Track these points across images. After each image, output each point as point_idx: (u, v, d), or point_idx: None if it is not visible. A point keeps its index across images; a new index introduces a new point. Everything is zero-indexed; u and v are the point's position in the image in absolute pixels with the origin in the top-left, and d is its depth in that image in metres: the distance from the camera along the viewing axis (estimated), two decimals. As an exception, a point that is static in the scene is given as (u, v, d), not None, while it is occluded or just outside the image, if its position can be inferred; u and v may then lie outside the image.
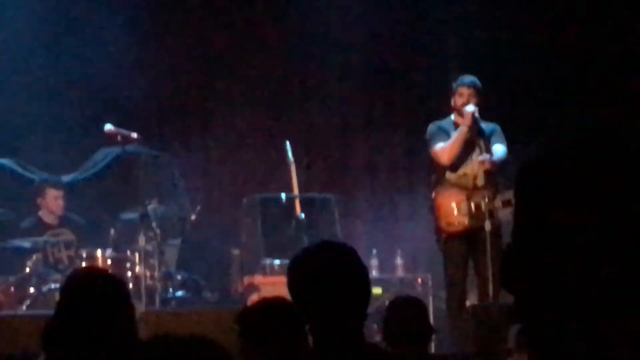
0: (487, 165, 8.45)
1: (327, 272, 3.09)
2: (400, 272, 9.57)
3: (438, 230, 8.58)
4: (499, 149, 8.51)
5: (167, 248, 9.41)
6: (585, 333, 1.51)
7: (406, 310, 5.19)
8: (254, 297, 7.83)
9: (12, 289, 9.01)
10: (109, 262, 8.88)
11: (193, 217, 9.76)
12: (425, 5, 10.84)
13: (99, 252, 9.05)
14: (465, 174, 8.53)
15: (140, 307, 7.06)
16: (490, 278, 8.11)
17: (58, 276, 8.53)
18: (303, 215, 9.53)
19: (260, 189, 9.93)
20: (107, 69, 10.20)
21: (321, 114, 10.51)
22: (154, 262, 9.11)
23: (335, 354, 2.98)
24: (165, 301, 8.95)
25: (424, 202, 8.91)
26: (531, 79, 9.64)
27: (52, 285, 8.49)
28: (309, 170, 9.83)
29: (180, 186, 9.92)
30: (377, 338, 5.69)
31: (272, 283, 8.68)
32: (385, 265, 9.71)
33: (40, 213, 9.38)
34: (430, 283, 9.24)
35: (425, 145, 8.70)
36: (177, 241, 9.61)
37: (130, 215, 9.41)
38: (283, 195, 9.65)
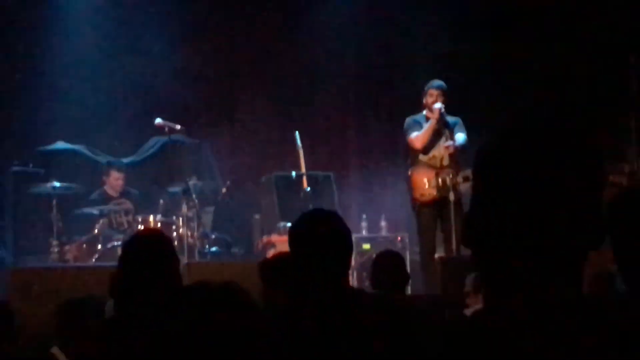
0: (451, 150, 8.50)
1: (315, 232, 3.16)
2: (384, 232, 9.60)
3: (413, 199, 8.62)
4: (460, 137, 8.57)
5: (203, 214, 9.44)
6: (523, 277, 1.51)
7: (388, 261, 5.25)
8: (271, 252, 7.90)
9: (84, 246, 9.03)
10: (159, 225, 8.90)
11: (224, 190, 9.80)
12: (402, 25, 10.76)
13: (151, 218, 9.09)
14: (434, 156, 8.57)
15: (183, 260, 7.08)
16: (454, 237, 8.15)
17: (120, 236, 8.57)
18: (309, 189, 9.56)
19: (275, 168, 9.91)
20: (156, 73, 10.17)
21: (323, 109, 10.48)
22: (194, 225, 9.15)
23: (321, 295, 3.02)
24: (202, 255, 9.02)
25: (403, 178, 8.88)
26: (486, 81, 9.58)
27: (115, 243, 8.52)
28: (313, 153, 9.78)
29: (213, 166, 9.93)
30: (366, 283, 5.71)
31: (285, 241, 8.66)
32: (372, 227, 9.71)
33: (105, 187, 9.40)
34: (407, 240, 9.26)
35: (403, 134, 8.70)
36: (211, 209, 9.66)
37: (175, 189, 9.42)
38: (293, 173, 9.66)
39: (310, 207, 9.29)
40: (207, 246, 9.29)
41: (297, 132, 9.62)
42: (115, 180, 9.38)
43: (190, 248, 8.72)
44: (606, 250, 1.93)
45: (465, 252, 7.00)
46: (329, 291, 3.08)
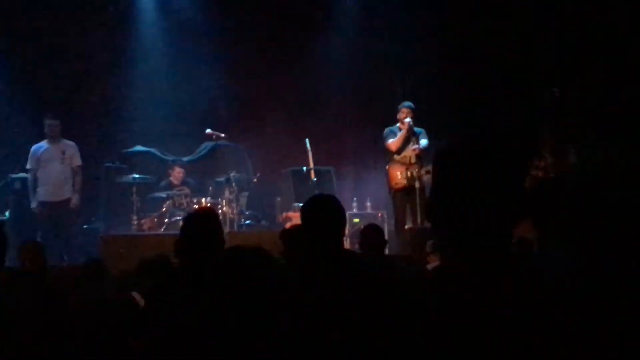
0: (417, 151, 8.50)
1: (320, 210, 3.20)
2: (369, 210, 9.64)
3: (389, 187, 8.65)
4: (423, 142, 8.60)
5: (240, 197, 9.43)
6: (467, 241, 1.51)
7: (371, 231, 5.28)
8: (288, 224, 7.91)
9: (155, 220, 9.05)
10: (208, 204, 8.91)
11: (254, 180, 9.79)
12: (382, 59, 10.74)
13: (203, 200, 9.13)
14: (405, 156, 8.56)
15: (225, 230, 7.09)
16: (419, 213, 8.17)
17: (181, 213, 8.59)
18: (315, 179, 9.54)
19: (291, 164, 9.92)
20: (206, 95, 10.23)
21: (325, 121, 10.43)
22: (233, 205, 9.14)
23: (324, 254, 3.07)
24: (239, 226, 9.00)
25: (382, 171, 8.88)
26: (443, 101, 9.55)
27: (177, 218, 8.57)
28: (318, 153, 9.77)
29: (247, 162, 9.95)
30: (356, 246, 5.76)
31: (298, 216, 8.68)
32: (360, 206, 9.74)
33: (170, 178, 9.44)
34: (385, 216, 9.29)
35: (383, 140, 8.70)
36: (246, 193, 9.65)
37: (220, 179, 9.43)
38: (304, 168, 9.64)
39: (316, 192, 9.35)
40: (242, 220, 9.31)
41: (307, 139, 9.63)
42: (177, 174, 9.42)
43: (231, 221, 8.75)
44: (527, 222, 1.93)
45: (427, 224, 7.06)
46: (330, 251, 3.11)
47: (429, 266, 5.29)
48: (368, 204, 9.72)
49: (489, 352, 1.40)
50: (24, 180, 9.00)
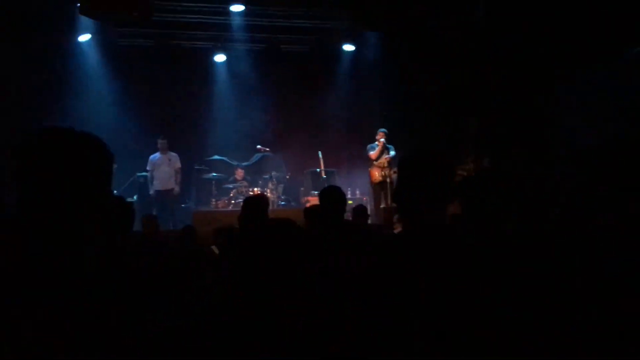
0: (388, 159, 8.44)
1: (329, 196, 3.19)
2: (358, 196, 9.61)
3: (370, 182, 8.62)
4: (392, 153, 8.54)
5: (278, 188, 9.42)
6: (418, 215, 1.49)
7: (360, 209, 5.23)
8: (308, 204, 7.88)
9: (226, 202, 9.05)
10: (258, 192, 8.91)
11: (287, 177, 9.79)
12: (368, 99, 10.70)
13: (256, 189, 9.11)
14: (380, 162, 8.53)
15: (269, 208, 7.10)
16: (389, 197, 8.12)
17: (241, 197, 8.58)
18: (325, 177, 9.53)
19: (310, 167, 9.88)
20: (256, 121, 10.18)
21: (330, 139, 10.41)
22: (274, 192, 9.14)
23: (330, 226, 3.06)
24: (277, 206, 9.00)
25: (366, 171, 8.86)
26: (405, 126, 9.50)
27: (239, 200, 8.53)
28: (326, 160, 9.76)
29: (283, 166, 9.91)
30: (350, 218, 5.71)
31: (315, 199, 8.66)
32: (353, 193, 9.71)
33: (235, 176, 9.42)
34: (368, 200, 9.23)
35: (367, 152, 8.68)
36: (282, 185, 9.62)
37: (266, 176, 9.42)
38: (318, 170, 9.64)
39: (326, 185, 9.33)
40: (279, 202, 9.32)
41: (319, 151, 9.62)
42: (239, 173, 9.42)
43: (272, 203, 8.75)
44: (456, 204, 1.92)
45: (394, 205, 7.03)
46: (337, 222, 3.12)
47: (396, 231, 5.28)
48: (357, 192, 9.72)
49: (428, 283, 1.39)
50: (145, 176, 9.05)
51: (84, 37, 9.38)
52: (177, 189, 8.84)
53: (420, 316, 1.32)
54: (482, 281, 1.39)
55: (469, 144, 8.69)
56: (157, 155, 8.82)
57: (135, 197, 8.94)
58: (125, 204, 2.70)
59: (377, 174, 8.50)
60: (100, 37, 9.64)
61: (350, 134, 10.74)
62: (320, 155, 9.57)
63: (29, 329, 0.92)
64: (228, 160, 9.68)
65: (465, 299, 1.34)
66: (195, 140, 10.11)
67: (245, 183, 9.27)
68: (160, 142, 8.82)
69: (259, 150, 9.59)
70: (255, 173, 9.69)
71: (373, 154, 8.53)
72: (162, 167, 8.76)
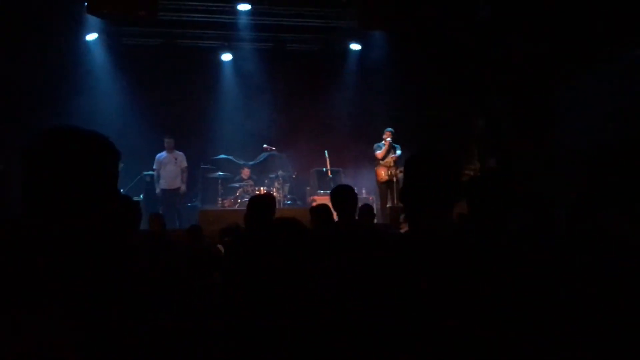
0: (395, 158, 8.41)
1: (341, 193, 3.19)
2: (364, 195, 9.53)
3: (377, 181, 8.58)
4: (398, 152, 8.50)
5: (284, 187, 9.41)
6: (423, 216, 1.48)
7: (366, 209, 5.21)
8: (314, 203, 7.89)
9: (232, 200, 9.06)
10: (265, 191, 8.90)
11: (293, 176, 9.77)
12: (374, 98, 10.68)
13: (262, 188, 9.10)
14: (387, 162, 8.49)
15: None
16: (395, 197, 8.11)
17: (247, 196, 8.55)
18: (330, 176, 9.52)
19: (316, 166, 9.85)
20: (263, 120, 10.18)
21: (337, 138, 10.37)
22: (280, 192, 9.13)
23: (342, 224, 3.05)
24: (284, 205, 8.98)
25: (373, 171, 8.84)
26: (412, 126, 9.50)
27: (245, 199, 8.52)
28: (332, 160, 9.74)
29: (289, 165, 9.87)
30: (356, 218, 5.69)
31: (320, 199, 8.67)
32: (359, 193, 9.62)
33: (241, 175, 9.42)
34: (374, 199, 9.20)
35: (373, 151, 8.66)
36: (288, 184, 9.59)
37: (272, 175, 9.42)
38: (324, 169, 9.63)
39: (331, 185, 9.36)
40: (286, 201, 9.30)
41: (325, 151, 9.61)
42: (246, 172, 9.41)
43: (278, 202, 8.69)
44: (463, 203, 1.92)
45: (400, 204, 7.03)
46: (348, 221, 3.13)
47: (402, 231, 5.27)
48: (363, 191, 9.68)
49: (434, 278, 1.39)
50: (151, 175, 9.08)
51: (91, 37, 9.42)
52: (183, 187, 8.86)
53: (425, 317, 1.32)
54: (488, 282, 1.38)
55: (475, 144, 8.68)
56: (163, 154, 8.85)
57: (141, 196, 8.97)
58: (131, 202, 2.70)
59: (383, 173, 8.48)
60: (107, 36, 9.69)
61: (357, 133, 10.71)
62: (327, 155, 9.56)
63: (36, 329, 0.92)
64: (234, 159, 9.68)
65: (471, 300, 1.34)
66: (202, 139, 10.11)
67: (251, 182, 9.27)
68: (167, 141, 8.85)
69: (265, 150, 9.59)
70: (261, 172, 9.69)
71: (379, 153, 8.52)
72: (169, 166, 8.78)
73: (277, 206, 8.55)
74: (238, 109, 10.47)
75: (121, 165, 1.20)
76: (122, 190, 7.72)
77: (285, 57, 10.60)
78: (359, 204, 6.76)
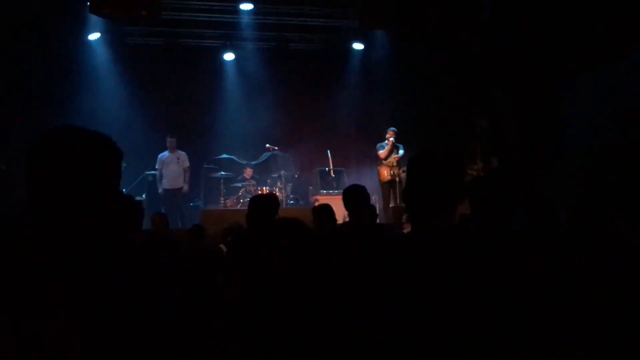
0: (397, 158, 8.41)
1: (353, 193, 3.21)
2: (367, 195, 9.49)
3: (379, 180, 8.57)
4: (401, 152, 8.50)
5: (287, 187, 9.40)
6: (426, 215, 1.48)
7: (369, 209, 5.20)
8: (316, 203, 7.87)
9: (234, 200, 9.06)
10: (268, 191, 8.90)
11: (296, 176, 9.77)
12: (377, 98, 10.68)
13: (264, 188, 9.09)
14: (389, 161, 8.49)
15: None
16: (398, 197, 8.10)
17: (249, 196, 8.55)
18: (333, 176, 9.52)
19: (319, 166, 9.83)
20: (265, 120, 10.16)
21: (340, 138, 10.41)
22: (282, 191, 9.13)
23: (354, 224, 3.07)
24: (286, 205, 8.98)
25: (375, 170, 8.83)
26: (414, 126, 9.46)
27: (248, 199, 8.53)
28: (335, 159, 9.74)
29: (292, 165, 9.88)
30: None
31: (323, 199, 8.66)
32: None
33: (244, 175, 9.39)
34: (377, 199, 9.17)
35: (376, 150, 8.66)
36: (290, 184, 9.58)
37: (275, 175, 9.41)
38: (327, 169, 9.63)
39: (334, 185, 9.39)
40: (288, 201, 9.30)
41: (328, 150, 9.62)
42: (248, 172, 9.39)
43: (281, 202, 8.68)
44: (466, 203, 1.92)
45: (403, 204, 7.00)
46: (359, 220, 3.15)
47: (405, 231, 5.27)
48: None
49: (436, 277, 1.39)
50: (154, 175, 9.09)
51: (94, 36, 9.43)
52: (185, 187, 8.87)
53: (426, 317, 1.32)
54: (490, 282, 1.38)
55: (477, 144, 8.67)
56: (166, 153, 8.86)
57: (144, 196, 8.98)
58: (134, 202, 2.71)
59: (385, 173, 8.48)
60: (110, 35, 9.70)
61: (359, 132, 10.72)
62: (329, 154, 9.56)
63: (36, 329, 0.92)
64: (237, 159, 9.68)
65: (472, 300, 1.34)
66: (204, 138, 10.13)
67: (253, 182, 9.27)
68: (169, 140, 8.86)
69: (267, 149, 9.59)
70: (264, 172, 9.69)
71: (382, 152, 8.51)
72: (171, 166, 8.79)
73: (280, 206, 8.55)
74: (240, 109, 10.47)
75: (123, 164, 1.20)
76: (124, 190, 7.72)
77: (287, 56, 10.61)
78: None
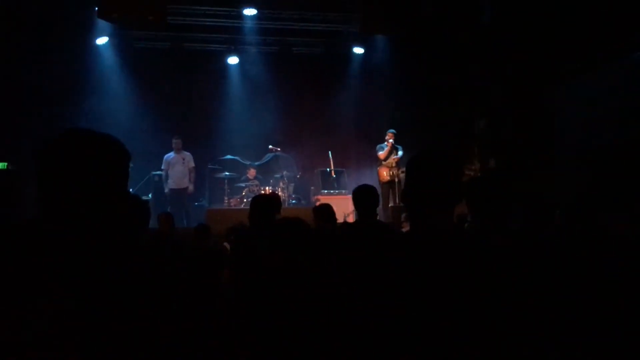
0: (397, 159, 8.40)
1: (363, 193, 3.20)
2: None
3: (379, 181, 8.55)
4: (400, 153, 8.49)
5: (289, 187, 9.40)
6: (424, 215, 1.48)
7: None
8: (317, 203, 7.86)
9: (238, 200, 9.05)
10: (271, 191, 8.90)
11: (298, 176, 9.76)
12: (377, 100, 10.66)
13: (267, 188, 9.09)
14: (389, 162, 8.49)
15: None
16: (397, 197, 8.09)
17: (252, 195, 8.54)
18: (334, 176, 9.51)
19: (320, 166, 9.83)
20: (268, 122, 10.16)
21: (340, 139, 10.38)
22: (285, 191, 9.12)
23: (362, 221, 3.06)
24: (288, 204, 8.97)
25: (375, 171, 8.82)
26: (414, 127, 9.45)
27: (250, 199, 8.52)
28: (336, 160, 9.73)
29: (294, 165, 9.86)
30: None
31: (324, 199, 8.66)
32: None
33: (247, 175, 9.39)
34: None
35: (375, 152, 8.65)
36: (292, 184, 9.57)
37: (277, 175, 9.40)
38: (328, 169, 9.63)
39: (335, 185, 9.39)
40: (290, 200, 9.29)
41: (329, 151, 9.61)
42: (251, 172, 9.39)
43: (283, 201, 8.68)
44: (463, 204, 1.92)
45: (402, 204, 6.98)
46: (368, 220, 3.16)
47: (403, 230, 5.26)
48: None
49: (434, 275, 1.38)
50: (160, 175, 9.10)
51: (102, 40, 9.45)
52: (191, 187, 8.87)
53: (425, 316, 1.32)
54: (488, 282, 1.38)
55: (475, 144, 8.66)
56: (171, 154, 8.87)
57: (150, 195, 8.98)
58: (141, 202, 2.70)
59: (385, 174, 8.48)
60: (117, 40, 9.71)
61: (360, 134, 10.71)
62: (330, 155, 9.56)
63: (38, 328, 0.92)
64: (240, 160, 9.69)
65: (471, 300, 1.33)
66: (209, 140, 10.12)
67: (257, 182, 9.27)
68: (175, 141, 8.86)
69: (270, 150, 9.59)
70: (266, 172, 9.68)
71: (382, 154, 8.52)
72: (177, 166, 8.80)
73: (282, 206, 8.54)
74: (244, 111, 10.48)
75: (130, 165, 1.21)
76: (131, 190, 7.72)
77: (290, 60, 10.61)
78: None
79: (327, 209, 3.83)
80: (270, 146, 9.55)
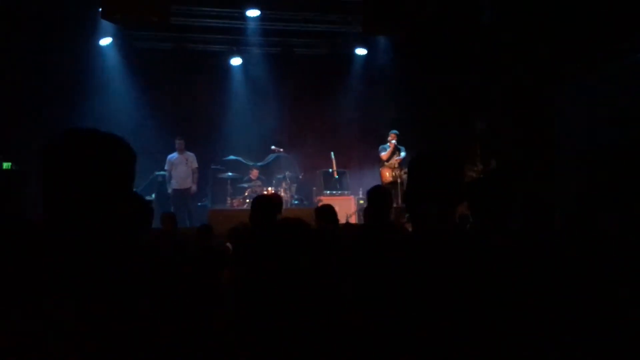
0: (399, 160, 8.39)
1: (378, 194, 3.21)
2: (369, 195, 9.49)
3: (381, 181, 8.54)
4: (403, 154, 8.48)
5: (291, 187, 9.40)
6: (426, 216, 1.47)
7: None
8: (319, 204, 7.84)
9: (241, 200, 9.06)
10: (273, 191, 8.90)
11: (300, 177, 9.76)
12: (379, 101, 10.65)
13: (270, 189, 9.10)
14: (391, 163, 8.49)
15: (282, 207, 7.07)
16: (399, 198, 8.07)
17: (255, 195, 8.53)
18: (337, 177, 9.51)
19: (322, 167, 9.83)
20: (270, 123, 10.17)
21: (343, 140, 10.39)
22: (287, 192, 9.13)
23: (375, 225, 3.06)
24: (290, 205, 8.97)
25: (377, 172, 8.82)
26: (416, 129, 9.46)
27: (252, 199, 8.53)
28: (338, 161, 9.72)
29: (296, 166, 9.87)
30: (361, 219, 5.64)
31: (327, 200, 8.65)
32: (364, 194, 9.62)
33: (250, 175, 9.40)
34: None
35: (378, 152, 8.65)
36: (295, 185, 9.57)
37: (280, 176, 9.41)
38: (330, 170, 9.63)
39: (337, 186, 9.41)
40: (292, 201, 9.29)
41: (332, 152, 9.61)
42: (254, 173, 9.40)
43: (285, 202, 8.66)
44: (465, 204, 1.92)
45: (404, 205, 6.97)
46: (381, 221, 3.17)
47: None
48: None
49: (436, 274, 1.38)
50: (163, 176, 9.12)
51: (105, 41, 9.47)
52: (194, 187, 8.88)
53: (426, 316, 1.32)
54: (489, 282, 1.38)
55: (477, 145, 8.64)
56: (175, 155, 8.88)
57: (153, 196, 9.00)
58: (144, 202, 2.71)
59: (387, 175, 8.48)
60: (120, 40, 9.73)
61: (362, 135, 10.71)
62: (333, 156, 9.56)
63: (39, 328, 0.91)
64: (243, 161, 9.70)
65: (472, 299, 1.33)
66: (212, 140, 10.13)
67: (259, 182, 9.27)
68: (178, 142, 8.88)
69: (273, 151, 9.59)
70: (269, 173, 9.69)
71: (384, 154, 8.52)
72: (180, 167, 8.81)
73: (284, 206, 8.52)
74: (247, 112, 10.48)
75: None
76: (135, 190, 7.70)
77: (292, 61, 10.61)
78: (365, 205, 6.70)
79: (329, 210, 3.83)
80: (272, 147, 9.56)
